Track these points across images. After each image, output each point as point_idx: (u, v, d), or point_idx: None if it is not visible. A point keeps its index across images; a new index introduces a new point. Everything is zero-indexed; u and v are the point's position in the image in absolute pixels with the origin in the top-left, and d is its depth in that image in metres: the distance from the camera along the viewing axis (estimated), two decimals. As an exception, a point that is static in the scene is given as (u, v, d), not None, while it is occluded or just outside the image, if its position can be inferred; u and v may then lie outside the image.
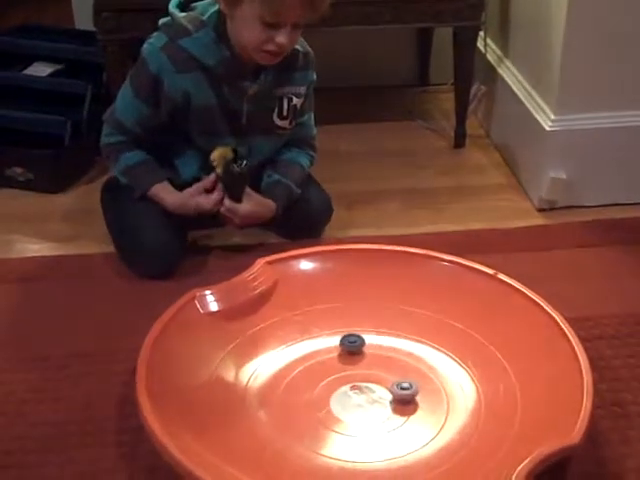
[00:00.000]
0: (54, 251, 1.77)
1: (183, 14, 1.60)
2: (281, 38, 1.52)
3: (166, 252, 1.65)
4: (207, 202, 1.65)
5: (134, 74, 1.64)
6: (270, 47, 1.53)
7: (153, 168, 1.68)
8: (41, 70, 2.14)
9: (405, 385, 1.33)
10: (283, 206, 1.71)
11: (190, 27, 1.58)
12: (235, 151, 1.64)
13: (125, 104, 1.65)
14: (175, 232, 1.66)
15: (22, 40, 2.20)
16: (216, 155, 1.63)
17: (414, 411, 1.32)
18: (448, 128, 2.25)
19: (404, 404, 1.32)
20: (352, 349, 1.42)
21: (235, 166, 1.64)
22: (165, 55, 1.58)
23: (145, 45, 1.61)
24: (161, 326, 1.37)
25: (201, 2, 1.62)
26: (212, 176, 1.65)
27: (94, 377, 1.42)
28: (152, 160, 1.68)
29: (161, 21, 1.61)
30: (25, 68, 2.15)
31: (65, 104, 2.03)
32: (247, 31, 1.53)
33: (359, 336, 1.43)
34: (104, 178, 1.85)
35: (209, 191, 1.66)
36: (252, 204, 1.67)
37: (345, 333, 1.43)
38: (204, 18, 1.59)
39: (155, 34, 1.61)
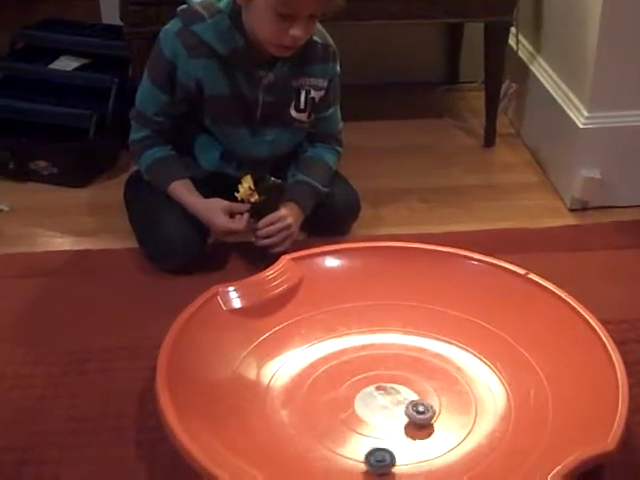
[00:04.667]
0: (77, 245, 1.75)
1: (199, 0, 1.58)
2: (295, 30, 1.49)
3: (187, 246, 1.62)
4: (224, 224, 1.60)
5: (150, 61, 1.63)
6: (284, 39, 1.51)
7: (174, 165, 1.66)
8: (67, 64, 2.13)
9: (421, 409, 1.25)
10: (309, 207, 1.67)
11: (205, 13, 1.56)
12: (253, 175, 1.61)
13: (144, 93, 1.64)
14: (196, 226, 1.63)
15: (48, 34, 2.19)
16: (243, 189, 1.59)
17: (440, 413, 1.27)
18: (477, 126, 2.21)
19: (419, 429, 1.25)
20: (379, 470, 1.18)
21: (271, 178, 1.62)
22: (179, 40, 1.57)
23: (161, 31, 1.60)
24: (182, 323, 1.34)
25: None
26: (245, 205, 1.60)
27: (114, 373, 1.40)
28: (174, 157, 1.66)
29: (179, 8, 1.59)
30: (51, 62, 2.13)
31: (91, 98, 2.02)
32: (261, 22, 1.51)
33: (389, 452, 1.19)
34: (128, 172, 1.84)
35: (232, 216, 1.62)
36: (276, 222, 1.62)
37: (371, 448, 1.20)
38: (220, 5, 1.57)
39: (172, 20, 1.60)
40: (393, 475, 1.18)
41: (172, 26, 1.59)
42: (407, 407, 1.26)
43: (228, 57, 1.58)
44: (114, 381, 1.38)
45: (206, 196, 1.64)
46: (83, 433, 1.28)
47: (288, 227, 1.61)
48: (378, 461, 1.17)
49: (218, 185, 1.67)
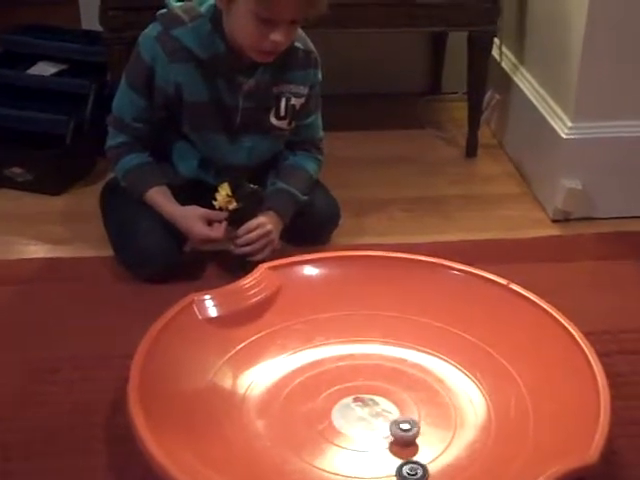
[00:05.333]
0: (51, 253, 1.72)
1: (179, 4, 1.56)
2: (276, 35, 1.47)
3: (163, 253, 1.59)
4: (202, 232, 1.57)
5: (129, 65, 1.61)
6: (265, 45, 1.49)
7: (152, 171, 1.63)
8: (45, 70, 2.09)
9: (405, 427, 1.22)
10: (289, 216, 1.65)
11: (185, 17, 1.54)
12: (230, 182, 1.59)
13: (122, 98, 1.62)
14: (173, 234, 1.60)
15: (27, 39, 2.16)
16: (220, 197, 1.57)
17: (420, 425, 1.25)
18: (460, 137, 2.19)
19: (403, 446, 1.22)
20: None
21: (249, 185, 1.60)
22: (158, 44, 1.54)
23: (140, 35, 1.58)
24: (156, 331, 1.31)
25: None
26: (223, 213, 1.58)
27: (85, 383, 1.36)
28: (152, 163, 1.63)
29: (159, 12, 1.57)
30: (29, 68, 2.10)
31: (68, 104, 1.99)
32: (242, 27, 1.49)
33: (422, 465, 1.17)
34: (105, 180, 1.81)
35: (210, 224, 1.59)
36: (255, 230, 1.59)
37: (404, 460, 1.19)
38: (201, 9, 1.55)
39: (151, 25, 1.57)
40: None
41: (151, 30, 1.57)
42: (391, 425, 1.23)
43: (208, 62, 1.55)
44: (85, 391, 1.34)
45: (183, 204, 1.61)
46: (52, 443, 1.25)
47: (268, 234, 1.58)
48: (410, 474, 1.15)
49: (196, 193, 1.64)
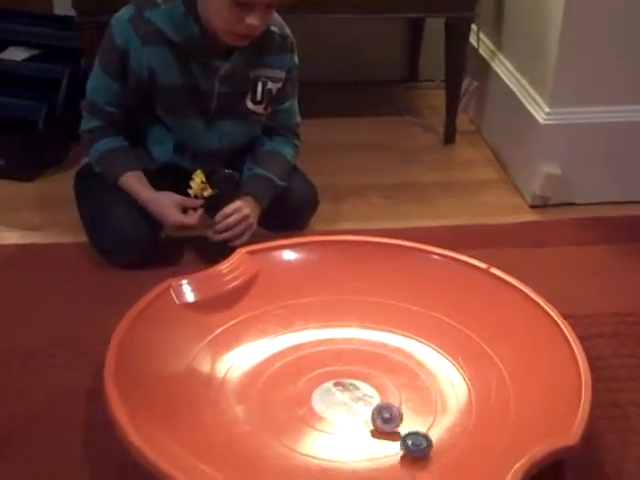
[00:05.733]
0: (24, 239, 1.69)
1: None
2: (252, 19, 1.45)
3: (139, 239, 1.57)
4: (177, 219, 1.56)
5: (101, 49, 1.58)
6: (240, 29, 1.46)
7: (126, 156, 1.60)
8: (17, 55, 2.06)
9: (386, 416, 1.20)
10: (266, 201, 1.63)
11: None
12: (204, 169, 1.57)
13: (95, 82, 1.59)
14: (149, 219, 1.57)
15: (-3, 24, 2.12)
16: (195, 184, 1.55)
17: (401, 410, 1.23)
18: (437, 124, 2.18)
19: (386, 435, 1.20)
20: (416, 454, 1.16)
21: (224, 170, 1.58)
22: (131, 27, 1.51)
23: (113, 18, 1.55)
24: (133, 317, 1.29)
25: None
26: (199, 201, 1.56)
27: (61, 370, 1.34)
28: (126, 148, 1.61)
29: None
30: (0, 52, 2.06)
31: (40, 89, 1.95)
32: (216, 10, 1.46)
33: (426, 436, 1.17)
34: (79, 166, 1.77)
35: (185, 211, 1.57)
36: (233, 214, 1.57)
37: (408, 432, 1.18)
38: None
39: (124, 7, 1.55)
40: (350, 472, 1.14)
41: (124, 12, 1.54)
42: (373, 413, 1.21)
43: (182, 45, 1.53)
44: (60, 377, 1.32)
45: (158, 189, 1.59)
46: (27, 432, 1.22)
47: (245, 218, 1.56)
48: (415, 444, 1.15)
49: (171, 178, 1.61)
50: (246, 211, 1.57)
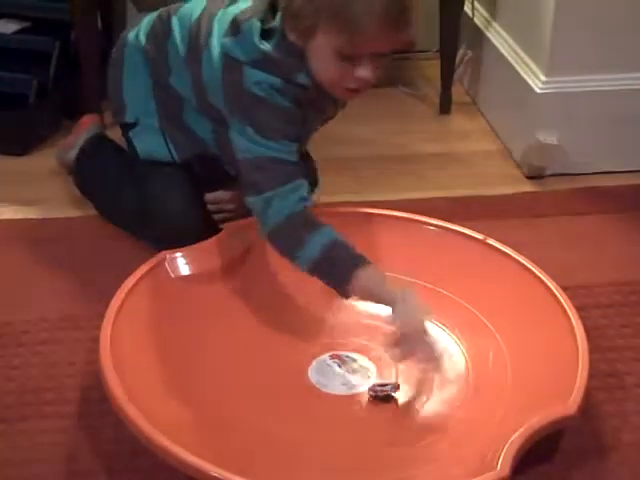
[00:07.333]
0: (17, 214, 1.67)
1: (271, 46, 1.31)
2: (362, 71, 1.26)
3: (198, 227, 1.47)
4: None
5: (272, 120, 1.33)
6: (350, 83, 1.30)
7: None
8: (6, 27, 2.03)
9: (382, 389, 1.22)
10: None
11: (292, 60, 1.31)
12: None
13: (279, 150, 1.33)
14: (196, 198, 1.52)
15: (-15, -4, 2.09)
16: None
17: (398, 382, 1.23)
18: (432, 95, 2.16)
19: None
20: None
21: None
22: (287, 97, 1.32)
23: (265, 90, 1.31)
24: (127, 290, 1.28)
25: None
26: None
27: (54, 345, 1.33)
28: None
29: (245, 55, 1.31)
30: (-11, 25, 2.04)
31: (31, 62, 1.92)
32: (322, 65, 1.28)
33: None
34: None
35: None
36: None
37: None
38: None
39: (265, 74, 1.30)
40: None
41: (275, 82, 1.32)
42: (369, 393, 1.22)
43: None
44: (54, 353, 1.31)
45: (200, 175, 1.54)
46: (21, 406, 1.22)
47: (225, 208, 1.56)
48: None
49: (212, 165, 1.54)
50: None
